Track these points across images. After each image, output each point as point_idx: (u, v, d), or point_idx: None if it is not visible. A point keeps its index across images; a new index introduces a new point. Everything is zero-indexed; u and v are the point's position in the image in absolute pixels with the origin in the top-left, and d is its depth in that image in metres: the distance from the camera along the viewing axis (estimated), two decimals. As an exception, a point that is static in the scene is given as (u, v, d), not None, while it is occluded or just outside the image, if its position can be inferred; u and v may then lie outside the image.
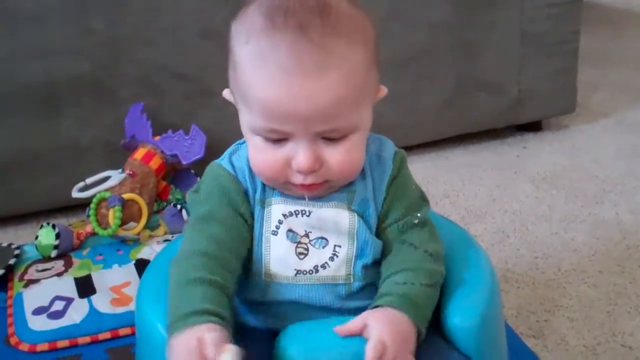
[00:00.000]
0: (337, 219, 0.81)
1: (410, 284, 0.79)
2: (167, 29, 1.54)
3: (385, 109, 1.71)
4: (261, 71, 0.73)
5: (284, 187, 0.80)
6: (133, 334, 1.15)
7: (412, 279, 0.79)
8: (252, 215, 0.82)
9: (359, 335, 0.74)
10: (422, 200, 0.87)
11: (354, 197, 0.82)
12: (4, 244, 1.46)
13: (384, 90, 0.82)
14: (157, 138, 1.50)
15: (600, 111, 2.12)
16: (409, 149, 1.76)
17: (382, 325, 0.73)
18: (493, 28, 1.80)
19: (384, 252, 0.84)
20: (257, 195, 0.82)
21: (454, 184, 1.69)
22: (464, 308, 0.81)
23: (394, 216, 0.84)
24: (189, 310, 0.72)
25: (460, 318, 0.80)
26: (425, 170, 1.73)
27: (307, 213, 0.81)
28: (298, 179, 0.77)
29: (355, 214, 0.81)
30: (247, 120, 0.77)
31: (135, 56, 1.53)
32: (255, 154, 0.79)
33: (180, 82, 1.57)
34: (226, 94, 0.83)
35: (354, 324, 0.74)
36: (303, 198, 0.81)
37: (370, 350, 0.71)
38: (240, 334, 0.82)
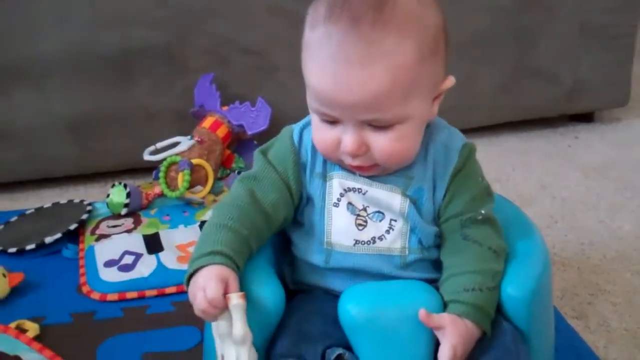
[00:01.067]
0: (389, 201, 0.86)
1: (479, 291, 0.84)
2: (237, 4, 1.61)
3: (445, 93, 1.77)
4: (315, 58, 0.79)
5: (340, 162, 0.86)
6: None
7: (480, 284, 0.84)
8: (301, 187, 0.88)
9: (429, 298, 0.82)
10: (487, 195, 0.90)
11: (410, 184, 0.87)
12: (76, 201, 1.55)
13: (450, 81, 0.85)
14: (225, 108, 1.57)
15: (653, 106, 2.14)
16: (463, 132, 1.79)
17: (458, 335, 0.80)
18: (552, 17, 1.83)
19: (444, 242, 0.89)
20: (318, 169, 0.88)
21: (505, 168, 1.74)
22: (517, 279, 0.86)
23: (455, 209, 0.88)
24: (208, 250, 0.81)
25: (513, 288, 0.86)
26: (478, 154, 1.77)
27: (363, 191, 0.86)
28: (347, 160, 0.83)
29: (408, 199, 0.86)
30: (308, 100, 0.83)
31: (206, 29, 1.60)
32: (314, 130, 0.85)
33: (248, 55, 1.64)
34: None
35: (435, 320, 0.80)
36: (367, 176, 0.86)
37: (444, 354, 0.79)
38: (308, 295, 0.90)
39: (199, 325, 1.11)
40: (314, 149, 0.88)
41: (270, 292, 0.85)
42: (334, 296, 0.86)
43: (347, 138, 0.80)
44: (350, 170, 0.86)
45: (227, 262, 0.81)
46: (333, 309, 0.84)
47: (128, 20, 1.55)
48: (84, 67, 1.57)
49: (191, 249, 1.35)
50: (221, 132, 1.55)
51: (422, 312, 0.80)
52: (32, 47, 1.54)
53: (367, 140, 0.81)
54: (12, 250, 1.38)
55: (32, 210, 1.54)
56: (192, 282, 0.81)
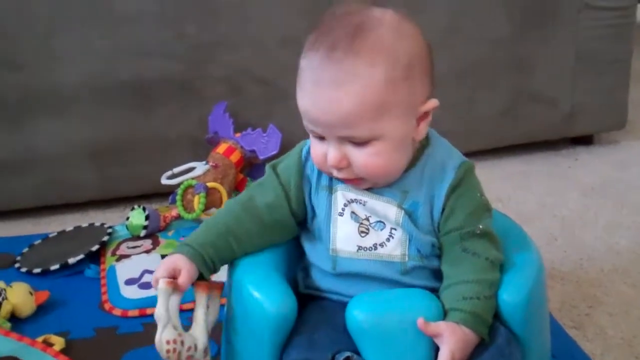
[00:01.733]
0: (385, 212, 0.93)
1: (477, 299, 0.89)
2: (251, 37, 1.69)
3: (444, 117, 1.84)
4: (300, 81, 0.88)
5: (331, 175, 0.93)
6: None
7: (477, 292, 0.90)
8: (302, 195, 0.97)
9: (431, 304, 0.88)
10: (486, 210, 0.95)
11: (406, 197, 0.92)
12: (97, 224, 1.62)
13: (432, 103, 0.90)
14: (238, 135, 1.65)
15: (650, 129, 2.22)
16: (466, 155, 1.87)
17: (455, 341, 0.86)
18: (549, 45, 1.91)
19: (444, 254, 0.95)
20: (324, 182, 0.96)
21: (506, 189, 1.81)
22: (512, 286, 0.92)
23: (454, 223, 0.93)
24: (188, 242, 0.95)
25: (509, 294, 0.91)
26: (480, 176, 1.81)
27: (363, 203, 0.93)
28: (334, 172, 0.91)
29: (403, 211, 0.92)
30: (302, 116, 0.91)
31: (221, 60, 1.69)
32: (311, 146, 0.93)
33: (260, 85, 1.72)
34: None
35: (433, 328, 0.86)
36: (361, 188, 0.94)
37: (442, 359, 0.85)
38: (317, 306, 0.97)
39: (216, 338, 1.17)
40: None
41: (283, 302, 0.91)
42: (342, 305, 0.92)
43: (330, 152, 0.88)
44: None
45: (189, 252, 0.93)
46: (341, 318, 0.90)
47: (146, 51, 1.64)
48: (104, 96, 1.65)
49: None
50: (234, 157, 1.63)
51: (420, 321, 0.86)
52: (55, 78, 1.62)
53: (347, 155, 0.88)
54: (37, 270, 1.45)
55: (55, 233, 1.61)
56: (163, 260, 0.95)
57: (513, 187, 1.83)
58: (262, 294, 0.92)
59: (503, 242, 0.98)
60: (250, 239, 0.98)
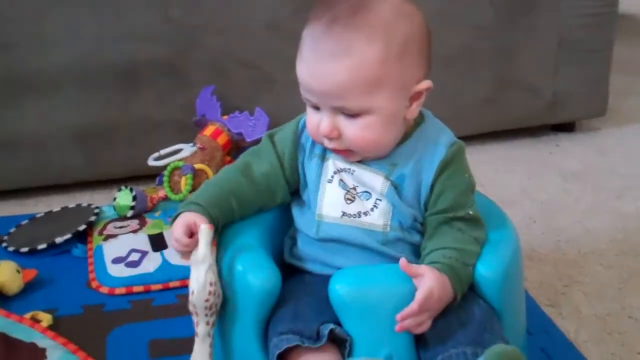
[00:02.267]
0: (372, 182, 0.97)
1: (455, 260, 0.93)
2: (237, 20, 1.71)
3: (429, 103, 1.87)
4: (300, 51, 0.91)
5: (323, 145, 0.97)
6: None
7: (458, 256, 0.94)
8: (296, 164, 1.01)
9: (409, 279, 0.90)
10: (472, 191, 0.99)
11: (393, 170, 0.96)
12: (84, 204, 1.64)
13: (425, 84, 0.94)
14: (225, 117, 1.67)
15: (630, 116, 2.26)
16: (450, 140, 1.91)
17: (436, 282, 0.89)
18: (532, 33, 1.94)
19: (429, 231, 0.98)
20: (317, 151, 0.99)
21: (488, 174, 1.85)
22: (489, 261, 0.96)
23: (443, 204, 0.96)
24: (188, 201, 0.98)
25: (486, 269, 0.95)
26: None
27: (352, 172, 0.97)
28: (325, 142, 0.95)
29: (389, 182, 0.96)
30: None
31: (207, 43, 1.70)
32: (307, 115, 0.97)
33: (247, 68, 1.74)
34: None
35: (414, 268, 0.89)
36: (350, 161, 0.97)
37: (420, 294, 0.87)
38: (300, 280, 1.00)
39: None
40: None
41: (267, 276, 0.94)
42: (325, 279, 0.95)
43: (322, 122, 0.92)
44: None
45: (198, 209, 0.96)
46: (324, 291, 0.93)
47: (134, 35, 1.65)
48: (92, 79, 1.66)
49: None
50: (221, 139, 1.65)
51: (402, 261, 0.89)
52: (42, 60, 1.63)
53: (339, 126, 0.92)
54: (25, 249, 1.47)
55: (42, 213, 1.63)
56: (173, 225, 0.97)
57: (495, 172, 1.87)
58: (246, 267, 0.95)
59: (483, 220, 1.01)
60: (248, 203, 1.02)
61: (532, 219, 1.62)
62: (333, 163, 0.98)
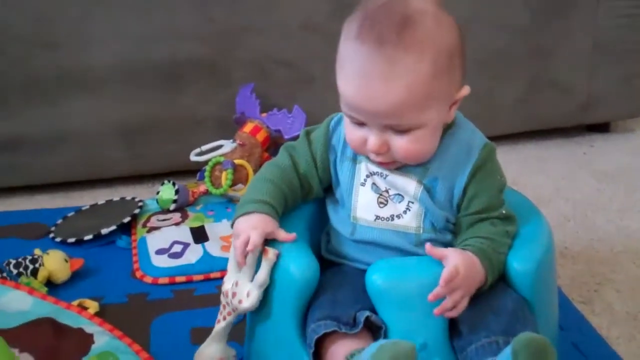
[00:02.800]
0: (405, 186, 0.98)
1: (487, 245, 0.95)
2: (276, 21, 1.75)
3: (464, 103, 1.89)
4: (345, 70, 0.91)
5: (366, 156, 0.99)
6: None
7: (489, 243, 0.96)
8: (327, 164, 1.03)
9: (439, 263, 0.92)
10: (502, 191, 1.00)
11: (426, 174, 0.98)
12: (128, 198, 1.70)
13: (465, 89, 0.95)
14: (264, 115, 1.72)
15: (666, 117, 2.26)
16: (484, 140, 1.94)
17: (460, 259, 0.91)
18: (567, 34, 1.96)
19: (462, 228, 1.00)
20: (349, 154, 1.02)
21: (523, 173, 1.87)
22: (523, 255, 0.98)
23: (476, 206, 0.98)
24: (257, 198, 1.00)
25: (519, 263, 0.97)
26: (498, 160, 1.90)
27: (384, 175, 0.99)
28: (372, 156, 0.96)
29: (422, 186, 0.98)
30: (340, 102, 0.95)
31: (247, 43, 1.75)
32: (346, 128, 0.98)
33: (285, 67, 1.78)
34: None
35: (439, 250, 0.92)
36: (391, 169, 0.99)
37: (445, 271, 0.89)
38: (338, 270, 1.03)
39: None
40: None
41: (307, 267, 0.97)
42: (361, 270, 0.99)
43: (371, 139, 0.93)
44: None
45: (271, 211, 0.99)
46: (360, 281, 0.96)
47: (177, 35, 1.70)
48: (136, 77, 1.72)
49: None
50: (260, 136, 1.70)
51: (427, 245, 0.92)
52: (88, 59, 1.69)
53: (388, 141, 0.93)
54: (71, 240, 1.52)
55: (88, 206, 1.69)
56: (240, 220, 0.99)
57: (529, 171, 1.89)
58: (287, 258, 0.98)
59: (516, 216, 1.03)
60: (296, 198, 1.06)
61: (566, 217, 1.64)
62: (365, 166, 1.00)
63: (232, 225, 1.01)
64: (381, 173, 0.99)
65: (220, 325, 1.03)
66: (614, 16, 1.96)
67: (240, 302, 0.98)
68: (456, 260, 0.91)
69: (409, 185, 0.98)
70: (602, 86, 2.03)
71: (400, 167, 0.98)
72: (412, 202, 0.99)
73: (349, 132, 0.97)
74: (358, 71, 0.89)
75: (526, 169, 1.90)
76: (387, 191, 1.00)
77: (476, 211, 0.99)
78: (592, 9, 1.95)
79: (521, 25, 1.92)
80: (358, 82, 0.89)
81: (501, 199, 1.01)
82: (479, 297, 0.94)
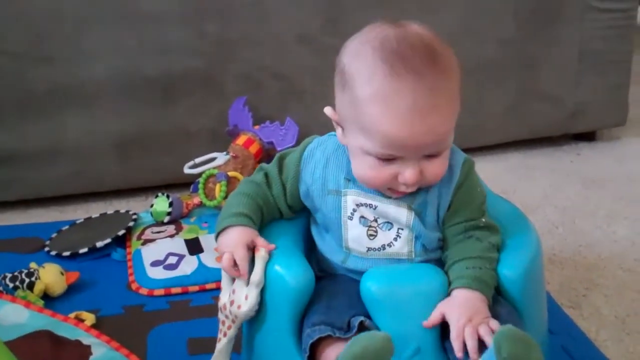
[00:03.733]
0: (396, 215, 0.99)
1: (479, 268, 0.97)
2: (269, 35, 1.78)
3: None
4: (386, 111, 0.88)
5: (388, 191, 0.97)
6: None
7: (480, 264, 0.97)
8: (297, 194, 1.04)
9: (437, 278, 0.96)
10: (483, 202, 1.02)
11: (415, 199, 0.98)
12: (122, 211, 1.71)
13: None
14: (257, 127, 1.74)
15: (650, 126, 2.30)
16: (473, 150, 1.97)
17: (456, 309, 0.92)
18: (553, 45, 1.99)
19: (448, 242, 1.02)
20: (331, 186, 1.01)
21: (511, 182, 1.90)
22: (511, 262, 1.00)
23: (459, 219, 1.00)
24: (235, 211, 1.02)
25: (508, 269, 0.99)
26: (486, 170, 1.89)
27: (374, 207, 1.00)
28: (402, 188, 0.95)
29: (413, 212, 0.98)
30: (361, 143, 0.93)
31: (240, 56, 1.77)
32: (367, 169, 0.95)
33: (278, 80, 1.81)
34: (329, 111, 0.99)
35: (434, 316, 0.93)
36: (373, 192, 0.99)
37: (453, 336, 0.90)
38: (333, 278, 1.05)
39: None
40: (325, 167, 1.02)
41: (302, 276, 0.99)
42: (356, 281, 1.00)
43: (409, 172, 0.92)
44: (363, 188, 1.00)
45: (249, 222, 1.02)
46: (355, 288, 0.98)
47: (170, 49, 1.73)
48: (130, 90, 1.74)
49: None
50: (253, 148, 1.72)
51: (425, 324, 0.93)
52: (82, 73, 1.70)
53: (422, 170, 0.94)
54: (66, 253, 1.53)
55: (82, 219, 1.70)
56: (221, 237, 1.02)
57: (517, 180, 1.92)
58: (283, 267, 1.00)
59: (505, 224, 1.06)
60: (269, 213, 1.07)
61: (554, 224, 1.67)
62: (352, 199, 1.00)
63: (216, 239, 1.04)
64: (370, 205, 1.00)
65: (222, 342, 1.03)
66: (599, 27, 2.00)
67: (239, 307, 0.99)
68: (456, 317, 0.92)
69: (401, 213, 0.99)
70: (588, 96, 2.07)
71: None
72: (402, 229, 1.00)
73: (374, 172, 0.95)
74: (404, 108, 0.88)
75: (514, 177, 1.93)
76: (375, 220, 1.00)
77: (458, 222, 1.01)
78: (577, 20, 1.99)
79: (509, 37, 1.96)
80: (406, 119, 0.88)
81: (482, 210, 1.02)
82: None
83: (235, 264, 0.99)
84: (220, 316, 1.03)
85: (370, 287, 0.97)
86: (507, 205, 1.16)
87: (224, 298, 1.02)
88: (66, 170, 1.78)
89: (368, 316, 0.96)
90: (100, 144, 1.77)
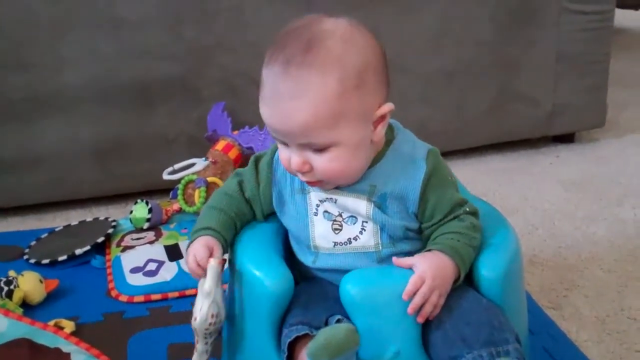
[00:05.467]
0: (356, 207, 1.00)
1: (457, 241, 0.98)
2: (247, 40, 1.77)
3: (434, 116, 1.94)
4: (261, 94, 0.95)
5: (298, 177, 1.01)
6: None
7: (459, 238, 0.98)
8: (271, 193, 1.05)
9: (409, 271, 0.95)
10: (456, 189, 1.02)
11: (374, 191, 0.98)
12: (101, 218, 1.70)
13: (386, 107, 0.95)
14: (236, 132, 1.74)
15: (628, 127, 2.33)
16: (453, 153, 1.98)
17: (426, 264, 0.94)
18: (531, 47, 2.01)
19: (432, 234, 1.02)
20: (297, 185, 1.03)
21: (491, 184, 1.91)
22: (490, 262, 1.00)
23: (440, 215, 0.99)
24: (203, 226, 1.04)
25: (487, 270, 1.00)
26: (466, 172, 1.93)
27: (334, 200, 1.01)
28: (299, 176, 0.98)
29: (373, 204, 0.99)
30: None
31: (219, 62, 1.77)
32: (278, 150, 1.01)
33: (256, 85, 1.76)
34: None
35: (406, 260, 0.95)
36: (326, 189, 1.01)
37: (409, 283, 0.93)
38: (311, 282, 1.05)
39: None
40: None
41: (281, 280, 0.99)
42: (334, 283, 1.01)
43: (293, 158, 0.95)
44: None
45: (215, 234, 1.03)
46: (333, 292, 0.98)
47: (148, 54, 1.72)
48: (108, 97, 1.73)
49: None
50: (232, 153, 1.72)
51: (394, 259, 0.96)
52: (60, 79, 1.69)
53: (309, 160, 0.95)
54: (46, 261, 1.52)
55: (61, 227, 1.69)
56: (188, 249, 1.04)
57: (497, 182, 1.92)
58: (262, 272, 1.00)
59: (484, 226, 1.05)
60: (247, 220, 1.08)
61: (534, 226, 1.67)
62: (315, 195, 1.01)
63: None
64: (331, 198, 1.01)
65: (194, 357, 1.03)
66: (576, 29, 2.02)
67: (195, 319, 0.99)
68: (423, 267, 0.94)
69: (360, 205, 1.00)
70: (567, 97, 2.08)
71: (344, 187, 1.00)
72: (366, 222, 1.00)
73: (280, 153, 0.99)
74: (270, 93, 0.93)
75: (494, 180, 1.94)
76: (340, 215, 1.01)
77: (441, 219, 1.01)
78: (555, 23, 2.00)
79: (486, 39, 1.97)
80: (270, 102, 0.93)
81: (460, 198, 1.02)
82: (450, 306, 0.96)
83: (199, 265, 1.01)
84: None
85: (349, 290, 0.96)
86: (486, 207, 1.16)
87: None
88: (44, 178, 1.77)
89: (347, 317, 0.96)
90: (79, 151, 1.76)
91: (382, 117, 0.96)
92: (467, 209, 1.02)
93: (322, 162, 0.95)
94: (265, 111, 0.94)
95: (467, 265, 0.98)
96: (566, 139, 2.20)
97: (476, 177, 1.94)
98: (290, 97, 0.91)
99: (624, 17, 3.53)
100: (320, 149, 0.94)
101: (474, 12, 1.94)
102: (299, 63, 0.90)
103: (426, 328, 0.97)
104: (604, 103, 2.14)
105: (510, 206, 1.77)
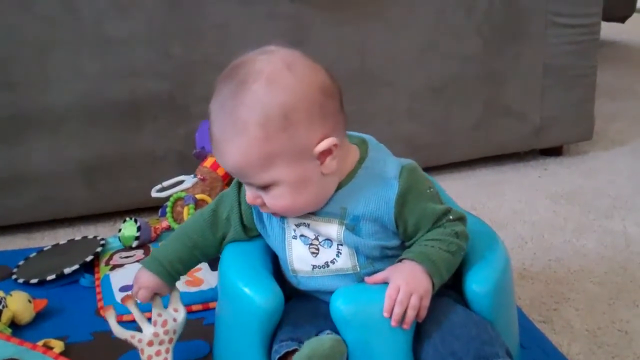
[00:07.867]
0: (327, 231, 1.00)
1: (430, 247, 0.97)
2: (234, 56, 1.76)
3: (421, 130, 1.94)
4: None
5: None
6: (204, 309, 1.39)
7: (433, 244, 0.98)
8: (251, 217, 1.07)
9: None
10: (438, 200, 1.01)
11: (345, 213, 0.98)
12: (90, 236, 1.69)
13: (326, 142, 0.93)
14: (224, 149, 1.73)
15: (617, 139, 2.34)
16: (441, 167, 1.98)
17: (397, 274, 0.95)
18: (518, 61, 2.02)
19: None
20: None
21: (480, 198, 1.91)
22: (480, 277, 1.01)
23: (424, 229, 0.99)
24: (156, 255, 1.10)
25: (477, 285, 1.00)
26: (454, 187, 1.94)
27: (307, 225, 1.01)
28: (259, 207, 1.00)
29: (344, 227, 0.98)
30: None
31: (207, 78, 1.73)
32: None
33: (244, 101, 1.80)
34: None
35: (379, 276, 0.97)
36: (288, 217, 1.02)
37: (386, 297, 0.94)
38: (301, 298, 1.05)
39: (208, 339, 1.25)
40: None
41: (272, 297, 1.00)
42: (323, 300, 1.02)
43: (246, 192, 0.99)
44: None
45: (160, 271, 1.09)
46: (324, 308, 0.99)
47: (135, 71, 1.71)
48: (95, 114, 1.72)
49: (197, 274, 1.50)
50: (221, 170, 1.70)
51: (366, 279, 0.98)
52: (47, 97, 1.68)
53: (259, 195, 0.97)
54: (34, 281, 1.51)
55: (49, 246, 1.68)
56: (139, 271, 1.12)
57: (486, 196, 1.93)
58: (252, 289, 1.00)
59: (473, 241, 1.05)
60: (212, 248, 1.10)
61: (523, 239, 1.68)
62: (292, 219, 1.02)
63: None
64: (304, 222, 1.01)
65: None
66: (563, 42, 2.03)
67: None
68: (395, 277, 0.95)
69: (331, 229, 1.00)
70: (554, 111, 2.09)
71: (316, 211, 1.00)
72: (341, 245, 1.00)
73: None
74: (211, 131, 0.94)
75: (483, 194, 1.94)
76: (316, 239, 1.01)
77: (426, 232, 1.00)
78: (541, 36, 2.01)
79: (474, 53, 1.98)
80: (211, 141, 0.95)
81: (443, 209, 1.00)
82: (440, 321, 0.97)
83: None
84: None
85: (339, 306, 0.97)
86: (476, 221, 1.17)
87: None
88: (32, 197, 1.76)
89: (337, 333, 0.97)
90: (66, 170, 1.75)
91: (328, 151, 0.94)
92: (451, 217, 1.01)
93: (268, 199, 0.97)
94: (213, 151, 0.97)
95: (440, 269, 0.97)
96: (554, 152, 2.21)
97: (465, 191, 1.94)
98: (222, 139, 0.93)
99: (610, 30, 3.56)
100: (262, 187, 0.95)
101: (460, 27, 1.95)
102: (229, 107, 0.91)
103: (416, 343, 0.97)
104: (591, 116, 2.15)
105: (500, 220, 1.77)
